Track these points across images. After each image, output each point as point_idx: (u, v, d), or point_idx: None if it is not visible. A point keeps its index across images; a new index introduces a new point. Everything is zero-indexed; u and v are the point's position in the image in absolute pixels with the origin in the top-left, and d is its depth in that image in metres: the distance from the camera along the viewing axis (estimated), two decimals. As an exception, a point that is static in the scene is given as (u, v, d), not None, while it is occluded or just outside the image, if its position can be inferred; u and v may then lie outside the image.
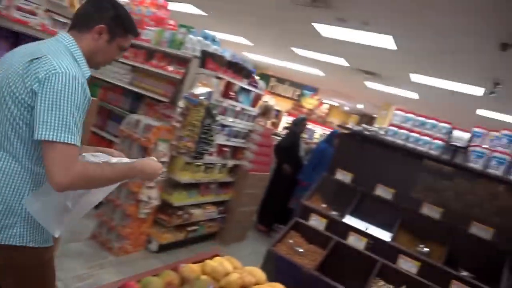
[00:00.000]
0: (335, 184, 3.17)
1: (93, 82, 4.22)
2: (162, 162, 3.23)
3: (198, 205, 4.01)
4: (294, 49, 7.16)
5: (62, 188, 1.17)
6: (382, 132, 2.77)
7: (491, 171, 2.42)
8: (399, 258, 2.61)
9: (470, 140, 2.46)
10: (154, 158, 1.51)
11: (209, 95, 3.23)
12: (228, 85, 3.70)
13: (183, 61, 3.63)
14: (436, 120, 2.69)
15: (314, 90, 11.76)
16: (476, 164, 2.46)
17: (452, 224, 2.69)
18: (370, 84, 8.23)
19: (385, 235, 2.76)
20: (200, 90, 3.24)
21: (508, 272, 2.42)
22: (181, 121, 3.29)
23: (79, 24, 1.34)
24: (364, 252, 2.69)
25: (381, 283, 2.57)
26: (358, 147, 3.12)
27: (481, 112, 7.29)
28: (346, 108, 14.17)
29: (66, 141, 1.17)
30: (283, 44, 7.12)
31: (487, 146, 2.43)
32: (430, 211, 2.77)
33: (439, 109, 8.73)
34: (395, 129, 2.76)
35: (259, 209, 5.26)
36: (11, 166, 1.23)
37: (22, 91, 1.20)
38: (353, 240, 2.76)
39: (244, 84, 3.92)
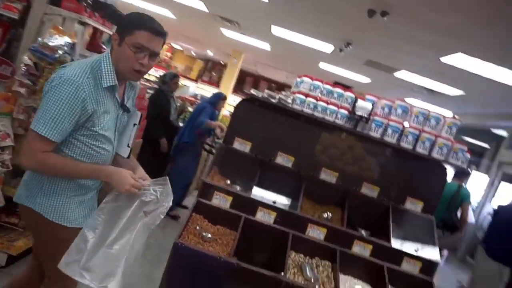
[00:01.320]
0: (234, 155, 2.92)
1: None
2: (2, 148, 2.27)
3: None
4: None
5: (24, 167, 1.52)
6: (289, 101, 2.60)
7: (387, 138, 2.60)
8: (308, 227, 2.64)
9: (371, 111, 2.55)
10: (132, 174, 1.55)
11: (71, 48, 2.33)
12: (95, 34, 2.78)
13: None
14: (342, 89, 2.69)
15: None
16: (375, 133, 2.59)
17: (347, 187, 2.87)
18: (226, 32, 7.95)
19: (292, 205, 2.73)
20: (56, 40, 2.30)
21: (393, 224, 2.76)
22: (28, 85, 2.32)
23: None
24: (274, 226, 2.61)
25: (293, 254, 2.57)
26: (257, 115, 2.90)
27: (323, 65, 8.08)
28: (193, 53, 13.61)
29: (38, 132, 1.38)
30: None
31: (386, 116, 2.58)
32: (327, 176, 2.87)
33: (287, 60, 9.29)
34: (303, 97, 2.63)
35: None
36: None
37: None
38: (261, 215, 2.63)
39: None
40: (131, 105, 1.71)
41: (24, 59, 2.27)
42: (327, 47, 6.27)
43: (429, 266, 2.65)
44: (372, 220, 2.91)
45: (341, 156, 2.90)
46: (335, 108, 2.62)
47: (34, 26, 2.40)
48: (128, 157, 1.73)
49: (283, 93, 2.64)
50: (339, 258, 2.56)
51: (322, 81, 2.77)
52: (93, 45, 2.75)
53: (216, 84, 12.71)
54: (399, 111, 2.60)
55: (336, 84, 2.84)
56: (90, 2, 2.47)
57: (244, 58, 10.22)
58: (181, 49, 14.40)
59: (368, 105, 2.56)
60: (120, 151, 1.71)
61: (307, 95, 2.65)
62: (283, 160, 2.90)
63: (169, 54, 13.92)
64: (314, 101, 2.63)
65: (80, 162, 1.51)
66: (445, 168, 2.90)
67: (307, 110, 2.65)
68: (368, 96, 2.77)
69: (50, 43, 2.25)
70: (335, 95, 2.67)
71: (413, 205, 2.92)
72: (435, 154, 2.61)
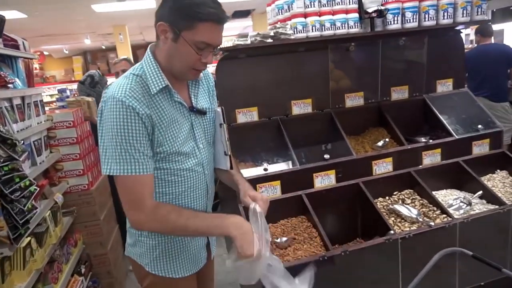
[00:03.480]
0: (243, 130, 2.26)
1: None
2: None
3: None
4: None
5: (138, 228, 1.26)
6: (289, 31, 1.95)
7: (408, 25, 2.13)
8: (373, 165, 2.19)
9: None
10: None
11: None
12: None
13: None
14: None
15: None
16: (395, 24, 2.09)
17: (378, 102, 2.43)
18: (99, 7, 6.55)
19: (341, 150, 2.23)
20: None
21: (442, 115, 2.43)
22: None
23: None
24: (340, 185, 2.11)
25: (377, 204, 2.13)
26: (247, 70, 2.21)
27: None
28: (66, 51, 11.49)
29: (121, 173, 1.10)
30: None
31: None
32: (353, 100, 2.39)
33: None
34: (302, 19, 1.99)
35: None
36: None
37: None
38: (320, 181, 2.11)
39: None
40: (205, 103, 1.31)
41: None
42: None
43: (496, 137, 2.41)
44: (414, 122, 2.55)
45: (358, 70, 2.40)
46: (344, 16, 2.04)
47: None
48: (231, 167, 1.35)
49: (278, 25, 1.97)
50: (418, 177, 2.19)
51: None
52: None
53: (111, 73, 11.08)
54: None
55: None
56: None
57: (129, 30, 8.82)
58: (48, 53, 12.13)
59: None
60: (219, 163, 1.37)
61: (305, 15, 2.01)
62: (300, 108, 2.33)
63: (38, 64, 11.65)
64: (317, 17, 2.01)
65: (199, 212, 1.27)
66: (459, 32, 2.57)
67: (314, 34, 2.03)
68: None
69: None
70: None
71: (445, 86, 2.60)
72: (460, 18, 2.22)
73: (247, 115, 2.25)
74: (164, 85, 1.13)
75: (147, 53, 1.17)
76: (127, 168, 1.07)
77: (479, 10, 2.24)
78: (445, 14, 2.18)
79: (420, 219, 1.96)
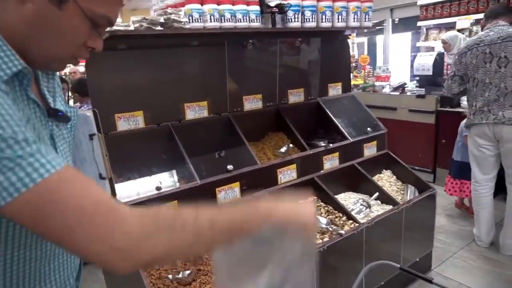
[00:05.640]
0: (123, 140, 1.82)
1: None
2: None
3: None
4: None
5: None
6: (183, 19, 1.61)
7: (308, 24, 2.04)
8: (279, 174, 2.01)
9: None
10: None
11: None
12: None
13: None
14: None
15: None
16: (295, 22, 1.98)
17: (276, 105, 2.28)
18: None
19: (245, 160, 1.99)
20: None
21: (336, 119, 2.43)
22: None
23: None
24: (244, 198, 1.87)
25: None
26: (124, 65, 1.78)
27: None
28: None
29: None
30: None
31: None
32: (252, 103, 2.19)
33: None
34: (198, 6, 1.67)
35: None
36: None
37: None
38: (223, 196, 1.83)
39: None
40: (62, 105, 0.79)
41: None
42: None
43: (381, 139, 2.53)
44: (310, 125, 2.49)
45: (256, 70, 2.21)
46: (245, 7, 1.80)
47: None
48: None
49: (169, 10, 1.60)
50: (322, 183, 2.12)
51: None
52: None
53: None
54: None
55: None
56: None
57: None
58: None
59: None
60: None
61: (202, 2, 1.70)
62: (195, 112, 2.00)
63: None
64: (216, 6, 1.72)
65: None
66: (347, 37, 2.63)
67: (212, 24, 1.73)
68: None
69: None
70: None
71: (335, 90, 2.63)
72: (352, 23, 2.24)
73: (130, 121, 1.81)
74: (18, 69, 0.63)
75: None
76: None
77: (367, 16, 2.29)
78: (340, 17, 2.17)
79: (330, 229, 1.86)
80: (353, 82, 4.51)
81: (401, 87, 4.26)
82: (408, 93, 4.12)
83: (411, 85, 4.35)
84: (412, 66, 3.93)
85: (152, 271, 1.54)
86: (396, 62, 6.59)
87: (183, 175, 1.78)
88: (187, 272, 1.53)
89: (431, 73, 3.64)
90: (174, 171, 1.80)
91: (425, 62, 3.64)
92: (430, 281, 1.22)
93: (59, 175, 0.56)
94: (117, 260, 0.57)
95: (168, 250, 0.60)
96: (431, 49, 4.68)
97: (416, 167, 3.67)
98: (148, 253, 0.58)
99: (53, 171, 0.55)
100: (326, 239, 1.81)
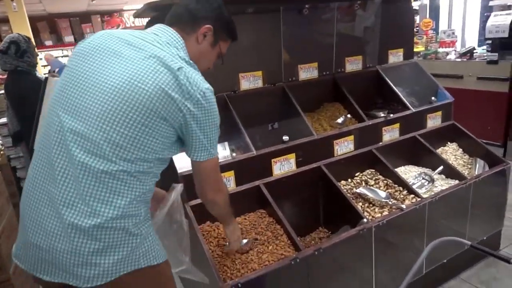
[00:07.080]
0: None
1: None
2: None
3: None
4: None
5: (216, 203, 1.29)
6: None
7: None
8: (335, 145, 1.95)
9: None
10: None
11: None
12: None
13: None
14: None
15: None
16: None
17: (332, 74, 2.18)
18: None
19: (297, 130, 1.95)
20: None
21: (397, 87, 2.28)
22: None
23: (183, 21, 1.14)
24: (301, 169, 1.84)
25: (341, 186, 1.90)
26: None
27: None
28: None
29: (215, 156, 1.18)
30: None
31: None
32: (307, 72, 2.11)
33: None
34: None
35: None
36: None
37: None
38: (279, 166, 1.81)
39: None
40: None
41: None
42: None
43: (447, 109, 2.35)
44: (368, 95, 2.36)
45: (312, 38, 2.11)
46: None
47: None
48: None
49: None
50: (380, 155, 2.02)
51: None
52: None
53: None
54: None
55: None
56: None
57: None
58: None
59: None
60: None
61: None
62: (249, 82, 1.97)
63: None
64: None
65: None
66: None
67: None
68: None
69: None
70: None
71: (396, 57, 2.45)
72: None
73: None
74: None
75: (181, 42, 1.11)
76: (216, 151, 1.16)
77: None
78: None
79: (390, 202, 1.78)
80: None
81: (469, 53, 3.88)
82: (477, 59, 3.76)
83: (480, 51, 3.96)
84: (483, 28, 3.55)
85: (210, 238, 1.59)
86: (461, 26, 6.04)
87: (238, 146, 1.78)
88: (245, 240, 1.56)
89: (507, 35, 3.26)
90: (227, 143, 1.81)
91: (501, 22, 3.27)
92: (508, 261, 1.12)
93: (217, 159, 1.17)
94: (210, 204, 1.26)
95: (223, 205, 1.28)
96: (507, 7, 4.17)
97: (484, 141, 3.38)
98: (221, 202, 1.25)
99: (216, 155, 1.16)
100: (385, 213, 1.74)
